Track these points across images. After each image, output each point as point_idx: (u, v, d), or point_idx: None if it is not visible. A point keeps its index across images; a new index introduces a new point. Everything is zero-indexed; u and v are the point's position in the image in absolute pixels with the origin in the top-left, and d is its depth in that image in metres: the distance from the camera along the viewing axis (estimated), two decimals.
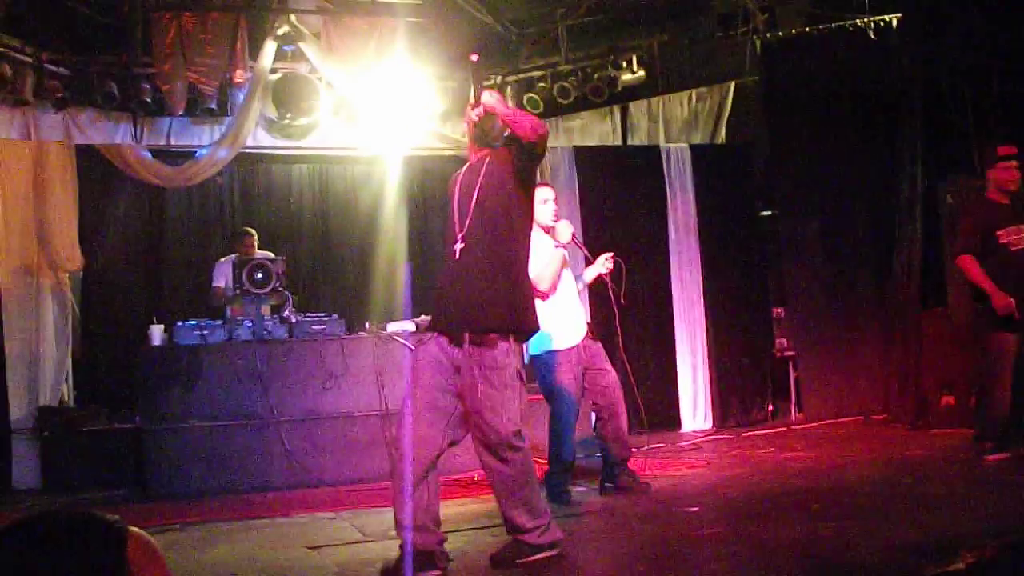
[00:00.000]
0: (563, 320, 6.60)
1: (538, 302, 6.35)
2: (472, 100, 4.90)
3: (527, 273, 4.98)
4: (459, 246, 4.76)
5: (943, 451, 7.85)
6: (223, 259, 9.84)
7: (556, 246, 6.57)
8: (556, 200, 6.83)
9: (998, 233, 7.07)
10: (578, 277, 7.06)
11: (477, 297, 4.70)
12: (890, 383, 10.21)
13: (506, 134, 4.92)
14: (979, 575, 3.85)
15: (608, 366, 6.77)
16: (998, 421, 7.04)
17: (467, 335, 4.68)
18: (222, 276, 9.72)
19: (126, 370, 9.03)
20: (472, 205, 4.80)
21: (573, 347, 6.60)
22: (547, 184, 7.23)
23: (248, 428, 8.17)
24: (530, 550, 4.74)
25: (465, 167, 5.02)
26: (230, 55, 9.39)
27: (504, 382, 4.67)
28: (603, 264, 6.89)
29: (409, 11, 9.95)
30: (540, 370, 6.65)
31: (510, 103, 10.39)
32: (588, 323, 6.83)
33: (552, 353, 6.55)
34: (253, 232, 9.90)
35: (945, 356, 9.31)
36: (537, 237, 6.60)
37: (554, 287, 6.57)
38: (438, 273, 5.03)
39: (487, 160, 4.89)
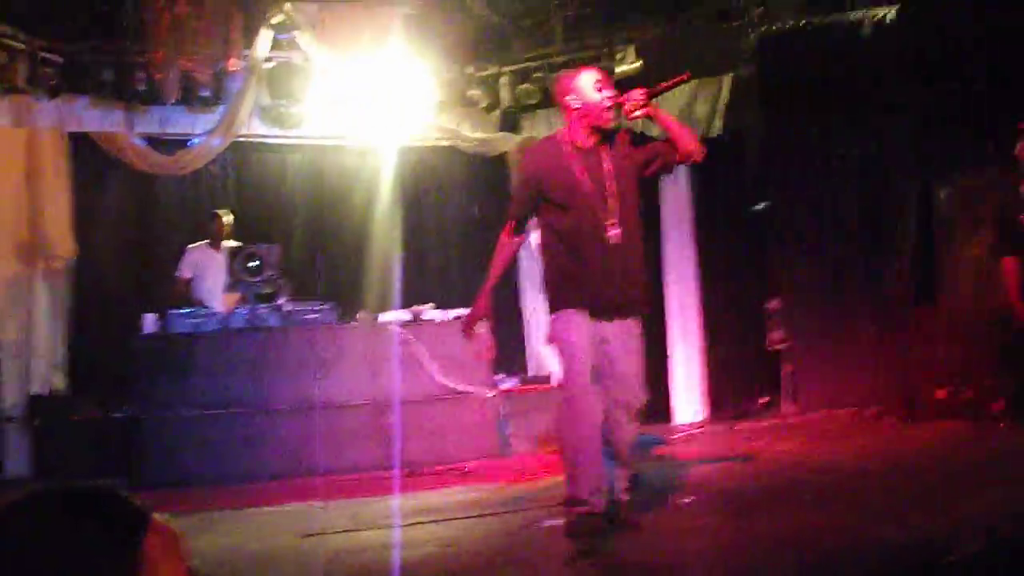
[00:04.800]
0: None
1: None
2: (644, 95, 5.01)
3: None
4: (615, 231, 4.92)
5: (934, 443, 7.84)
6: (192, 245, 9.77)
7: None
8: None
9: (1020, 218, 6.96)
10: None
11: (638, 283, 5.11)
12: (883, 376, 10.20)
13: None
14: (971, 569, 3.84)
15: None
16: None
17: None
18: (189, 266, 9.66)
19: (119, 358, 8.99)
20: (615, 192, 4.97)
21: None
22: None
23: (241, 417, 8.14)
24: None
25: (563, 147, 5.09)
26: (224, 43, 9.35)
27: (641, 353, 5.14)
28: None
29: (405, 1, 9.92)
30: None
31: (504, 94, 10.51)
32: None
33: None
34: (225, 212, 9.85)
35: (937, 349, 9.32)
36: None
37: None
38: (579, 254, 5.02)
39: (604, 148, 5.06)
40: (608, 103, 5.00)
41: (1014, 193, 6.81)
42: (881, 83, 10.35)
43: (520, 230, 5.24)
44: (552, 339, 5.11)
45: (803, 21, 10.43)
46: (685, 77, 5.25)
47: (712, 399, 10.52)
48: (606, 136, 5.08)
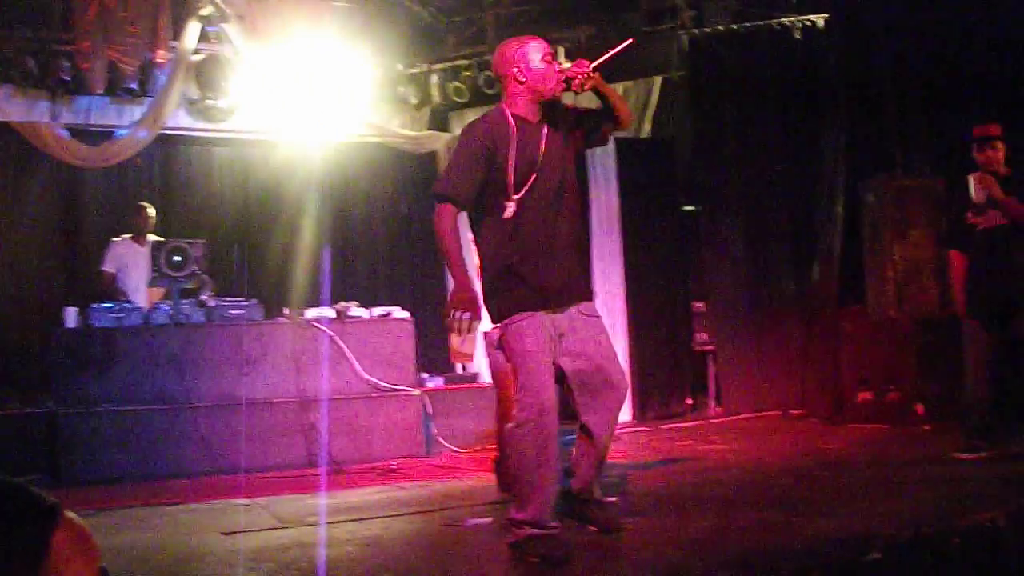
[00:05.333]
0: None
1: None
2: (592, 67, 4.58)
3: None
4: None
5: (859, 445, 7.97)
6: (117, 239, 9.61)
7: None
8: None
9: (967, 214, 6.95)
10: None
11: (583, 267, 4.87)
12: (808, 378, 10.35)
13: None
14: (892, 566, 3.91)
15: None
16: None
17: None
18: (113, 260, 9.50)
19: (40, 353, 8.87)
20: (559, 169, 4.63)
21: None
22: None
23: (164, 413, 8.03)
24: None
25: (508, 121, 4.60)
26: (152, 34, 9.24)
27: (607, 333, 4.86)
28: None
29: None
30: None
31: (435, 92, 10.50)
32: None
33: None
34: (148, 206, 9.72)
35: (862, 352, 9.45)
36: None
37: None
38: (525, 241, 4.54)
39: (546, 123, 4.65)
40: (557, 76, 4.59)
41: (964, 192, 6.92)
42: (811, 88, 10.51)
43: (459, 212, 4.62)
44: (504, 351, 4.61)
45: (735, 25, 10.54)
46: (631, 42, 4.91)
47: (638, 400, 10.57)
48: (548, 110, 4.68)
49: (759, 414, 10.32)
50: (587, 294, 4.84)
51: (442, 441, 8.83)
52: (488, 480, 6.73)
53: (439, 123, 11.12)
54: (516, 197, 4.51)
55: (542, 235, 4.55)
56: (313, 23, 9.67)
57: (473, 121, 4.77)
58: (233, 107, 10.00)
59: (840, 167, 10.23)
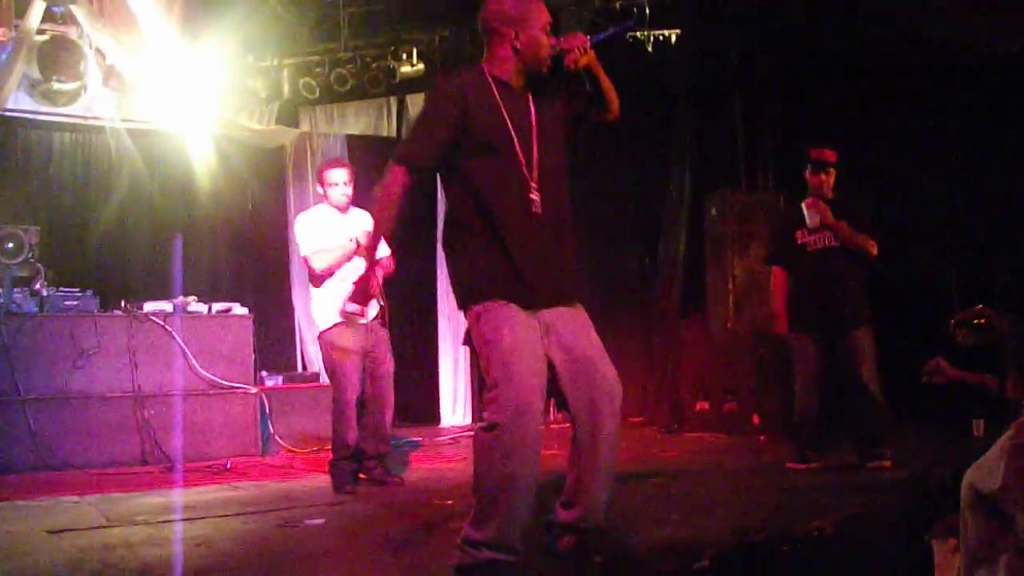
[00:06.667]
0: None
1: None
2: (585, 44, 4.08)
3: None
4: (536, 197, 4.01)
5: (695, 454, 8.19)
6: None
7: (355, 245, 6.50)
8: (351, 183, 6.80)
9: (796, 234, 7.16)
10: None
11: (573, 264, 4.19)
12: (648, 387, 10.56)
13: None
14: (721, 574, 4.02)
15: (389, 357, 6.68)
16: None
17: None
18: None
19: None
20: (544, 148, 4.08)
21: (361, 326, 6.49)
22: (345, 165, 6.98)
23: None
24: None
25: (488, 81, 4.07)
26: None
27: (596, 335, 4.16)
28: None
29: None
30: (325, 346, 6.60)
31: (285, 86, 10.37)
32: (382, 307, 6.70)
33: (338, 325, 6.45)
34: None
35: (701, 363, 9.70)
36: (328, 215, 6.65)
37: (330, 271, 6.52)
38: (502, 223, 3.97)
39: (530, 95, 4.12)
40: (552, 50, 4.08)
41: (795, 210, 7.15)
42: (661, 101, 10.73)
43: (415, 178, 4.05)
44: (475, 340, 4.06)
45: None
46: (630, 23, 4.28)
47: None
48: (534, 81, 4.14)
49: None
50: (574, 298, 4.18)
51: (279, 440, 8.78)
52: (324, 481, 6.72)
53: (288, 118, 11.00)
54: (493, 168, 3.98)
55: (523, 222, 3.98)
56: (162, 10, 9.46)
57: (442, 79, 4.19)
58: (77, 91, 9.71)
59: (685, 180, 10.47)
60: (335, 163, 7.02)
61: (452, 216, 4.12)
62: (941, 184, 9.35)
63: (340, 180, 6.75)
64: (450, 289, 4.25)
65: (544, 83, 4.19)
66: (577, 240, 4.21)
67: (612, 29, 4.35)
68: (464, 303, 4.09)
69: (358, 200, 6.80)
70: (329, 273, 6.54)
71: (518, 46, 4.04)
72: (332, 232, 6.58)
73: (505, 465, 3.77)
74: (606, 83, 4.27)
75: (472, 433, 4.02)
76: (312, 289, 6.71)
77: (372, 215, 4.24)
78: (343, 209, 6.73)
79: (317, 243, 6.55)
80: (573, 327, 4.07)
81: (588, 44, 4.09)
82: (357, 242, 6.46)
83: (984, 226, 9.08)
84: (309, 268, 6.61)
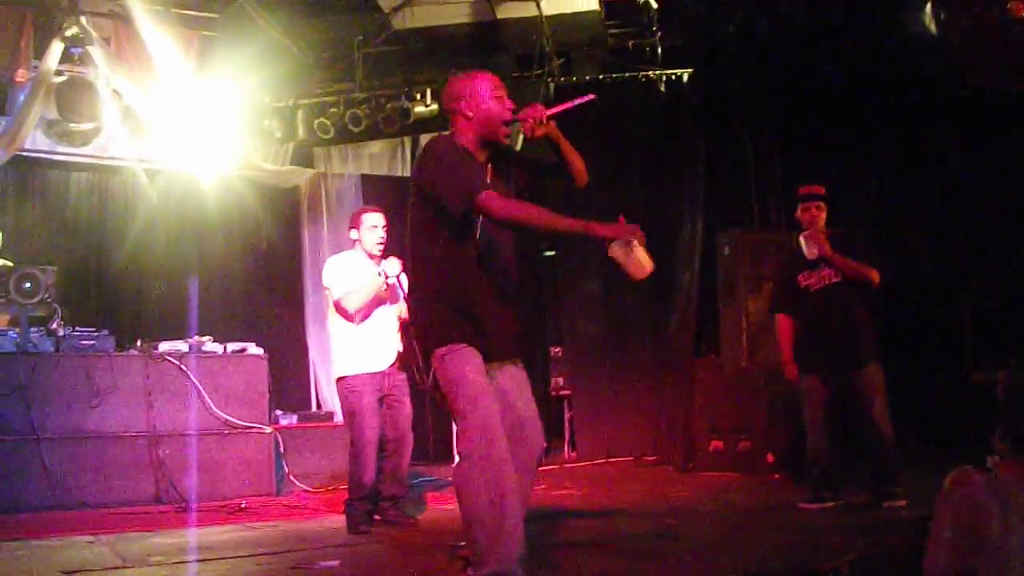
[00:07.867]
0: (372, 344, 6.58)
1: (349, 325, 6.50)
2: (547, 114, 4.27)
3: None
4: (502, 256, 4.41)
5: (709, 493, 8.14)
6: None
7: (384, 278, 6.54)
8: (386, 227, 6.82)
9: (799, 278, 7.17)
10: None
11: (519, 321, 4.50)
12: (661, 426, 10.54)
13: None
14: None
15: (407, 400, 6.70)
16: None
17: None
18: None
19: None
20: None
21: (378, 372, 6.54)
22: (378, 210, 6.99)
23: (7, 444, 7.80)
24: None
25: (456, 149, 4.28)
26: (13, 52, 9.01)
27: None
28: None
29: (204, 25, 9.77)
30: (343, 391, 6.62)
31: (300, 127, 10.43)
32: (399, 352, 6.70)
33: (358, 376, 6.51)
34: None
35: (715, 402, 9.66)
36: (358, 260, 6.66)
37: (362, 315, 6.55)
38: (474, 280, 4.26)
39: (492, 163, 4.38)
40: (508, 117, 4.29)
41: (795, 255, 7.14)
42: (673, 140, 10.77)
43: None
44: (440, 381, 4.16)
45: (601, 76, 10.72)
46: (591, 98, 4.55)
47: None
48: (495, 153, 4.40)
49: (612, 460, 10.47)
50: (520, 354, 4.46)
51: (294, 480, 8.77)
52: (338, 521, 6.71)
53: (303, 158, 11.06)
54: (470, 229, 4.23)
55: (497, 278, 4.33)
56: (179, 51, 9.53)
57: (430, 143, 4.36)
58: (94, 131, 9.79)
59: (699, 218, 10.48)
60: (373, 207, 7.03)
61: (430, 262, 4.31)
62: (955, 215, 9.34)
63: (379, 223, 6.75)
64: None
65: (504, 157, 4.44)
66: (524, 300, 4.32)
67: (572, 102, 4.43)
68: (430, 346, 4.24)
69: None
70: (365, 314, 6.56)
71: (471, 114, 4.27)
72: (363, 278, 6.58)
73: (490, 492, 3.88)
74: (570, 152, 4.46)
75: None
76: (333, 333, 6.74)
77: (543, 225, 4.36)
78: (375, 256, 6.73)
79: (348, 285, 6.56)
80: (519, 389, 4.33)
81: (544, 116, 4.25)
82: (385, 275, 6.50)
83: (999, 259, 9.06)
84: (342, 311, 6.59)
